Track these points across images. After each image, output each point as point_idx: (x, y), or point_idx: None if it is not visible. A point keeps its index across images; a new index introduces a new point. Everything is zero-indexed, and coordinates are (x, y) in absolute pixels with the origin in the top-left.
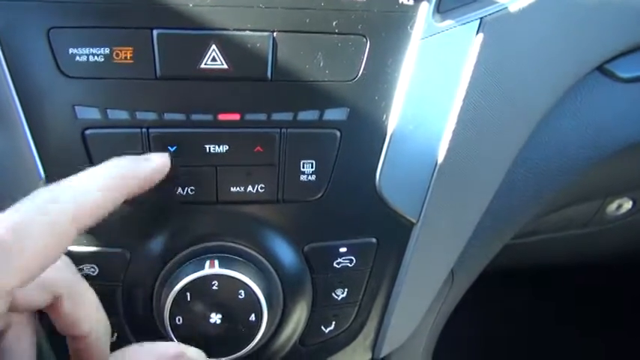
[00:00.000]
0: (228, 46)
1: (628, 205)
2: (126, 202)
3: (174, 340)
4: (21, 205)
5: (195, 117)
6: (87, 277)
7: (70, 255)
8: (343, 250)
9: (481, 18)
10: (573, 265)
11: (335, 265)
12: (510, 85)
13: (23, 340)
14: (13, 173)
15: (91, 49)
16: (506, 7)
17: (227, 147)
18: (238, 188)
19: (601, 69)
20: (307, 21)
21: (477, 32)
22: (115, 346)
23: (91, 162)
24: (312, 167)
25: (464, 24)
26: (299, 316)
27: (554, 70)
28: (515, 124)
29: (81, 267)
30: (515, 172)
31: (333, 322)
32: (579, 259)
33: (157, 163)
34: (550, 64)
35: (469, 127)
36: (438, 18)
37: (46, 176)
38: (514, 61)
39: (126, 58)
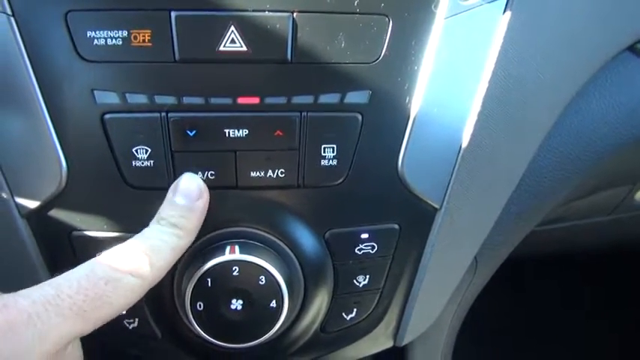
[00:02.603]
0: (247, 28)
1: None
2: (146, 188)
3: (196, 325)
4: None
5: (214, 101)
6: None
7: (92, 240)
8: (365, 236)
9: None
10: (600, 252)
11: (356, 251)
12: (538, 66)
13: None
14: (35, 159)
15: (109, 32)
16: None
17: (247, 131)
18: (258, 173)
19: (632, 49)
20: (328, 0)
21: (505, 10)
22: (136, 331)
23: (111, 147)
24: (333, 152)
25: (491, 2)
26: (320, 302)
27: (584, 50)
28: (543, 106)
29: (102, 252)
30: (542, 156)
31: (355, 310)
32: (606, 246)
33: (200, 212)
34: (580, 44)
35: (495, 110)
36: None
37: (67, 161)
38: (543, 40)
39: (144, 41)
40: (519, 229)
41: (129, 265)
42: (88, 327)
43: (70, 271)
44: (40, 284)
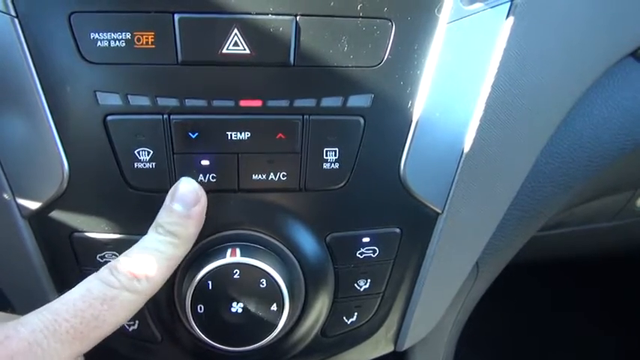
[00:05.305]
0: (251, 31)
1: None
2: (147, 190)
3: (196, 328)
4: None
5: (216, 103)
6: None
7: (93, 242)
8: (366, 240)
9: (512, 0)
10: (600, 259)
11: (358, 255)
12: (541, 71)
13: None
14: (37, 160)
15: (113, 34)
16: None
17: (249, 134)
18: (260, 176)
19: (635, 55)
20: (331, 4)
21: (508, 15)
22: (135, 334)
23: (113, 148)
24: (335, 155)
25: (494, 7)
26: (321, 306)
27: (587, 56)
28: (545, 111)
29: (103, 254)
30: (544, 161)
31: (355, 314)
32: (606, 252)
33: (197, 218)
34: (583, 50)
35: (497, 115)
36: (466, 1)
37: (69, 163)
38: (546, 45)
39: (147, 43)
40: (521, 234)
41: (125, 281)
42: (87, 346)
43: (67, 292)
44: (40, 309)
